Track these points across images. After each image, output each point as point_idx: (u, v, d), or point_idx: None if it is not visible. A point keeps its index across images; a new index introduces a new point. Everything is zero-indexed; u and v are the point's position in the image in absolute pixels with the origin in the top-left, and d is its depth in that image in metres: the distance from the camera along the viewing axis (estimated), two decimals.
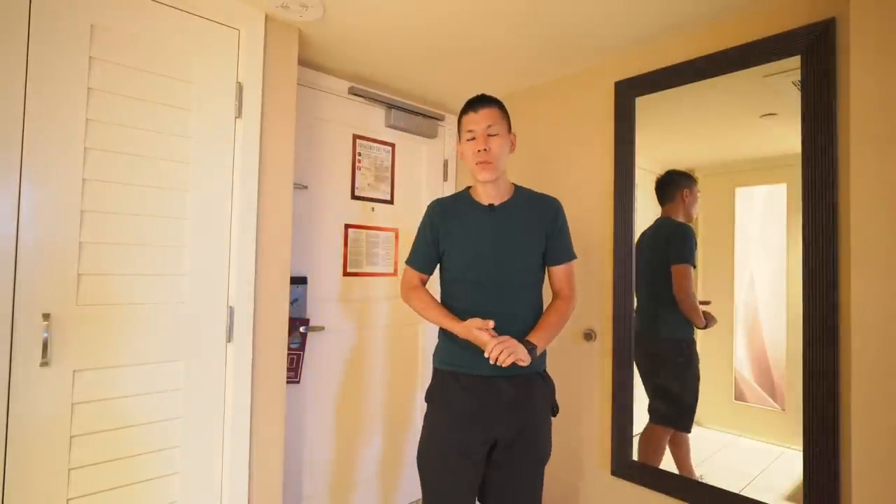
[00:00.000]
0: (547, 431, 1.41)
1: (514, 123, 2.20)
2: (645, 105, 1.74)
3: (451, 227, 1.44)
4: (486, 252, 1.38)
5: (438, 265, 1.50)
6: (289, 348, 1.78)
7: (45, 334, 1.19)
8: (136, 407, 1.35)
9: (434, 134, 2.37)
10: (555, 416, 1.44)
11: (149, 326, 1.37)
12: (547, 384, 1.42)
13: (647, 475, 1.68)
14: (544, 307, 1.44)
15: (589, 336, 1.88)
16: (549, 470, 2.00)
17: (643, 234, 1.74)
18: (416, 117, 2.28)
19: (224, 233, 1.51)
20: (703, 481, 1.54)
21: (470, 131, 1.39)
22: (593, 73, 1.93)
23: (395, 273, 2.26)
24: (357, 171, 2.14)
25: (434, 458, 1.37)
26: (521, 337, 1.30)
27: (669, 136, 1.71)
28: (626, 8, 1.51)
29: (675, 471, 1.61)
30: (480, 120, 1.38)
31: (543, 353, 1.42)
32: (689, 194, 1.63)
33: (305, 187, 1.94)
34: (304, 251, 1.94)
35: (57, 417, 1.22)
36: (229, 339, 1.52)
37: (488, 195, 1.42)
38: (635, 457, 1.72)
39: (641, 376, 1.73)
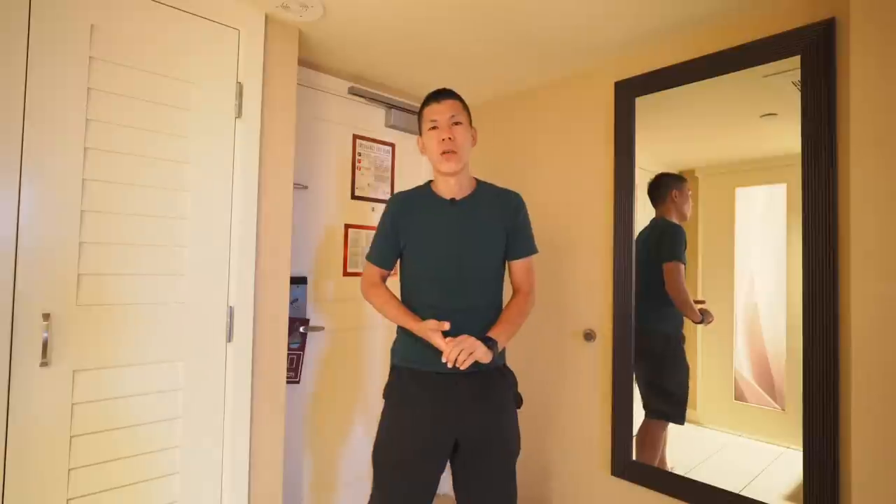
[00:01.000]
0: (513, 425, 1.38)
1: (514, 123, 2.21)
2: (645, 105, 1.74)
3: (412, 221, 1.40)
4: (447, 247, 1.36)
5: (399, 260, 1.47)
6: (289, 348, 1.78)
7: (45, 334, 1.19)
8: (136, 407, 1.35)
9: None
10: (519, 407, 1.42)
11: (149, 326, 1.37)
12: (507, 378, 1.40)
13: (647, 475, 1.68)
14: (504, 302, 1.43)
15: (589, 336, 1.88)
16: (549, 470, 2.01)
17: (639, 235, 1.75)
18: (416, 117, 2.28)
19: (224, 233, 1.51)
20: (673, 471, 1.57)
21: (433, 121, 1.37)
22: (593, 74, 1.93)
23: (395, 273, 2.25)
24: (357, 171, 2.14)
25: (393, 456, 1.33)
26: (482, 332, 1.29)
27: (669, 136, 1.71)
28: (626, 8, 1.51)
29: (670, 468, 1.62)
30: (444, 110, 1.36)
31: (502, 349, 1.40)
32: (679, 194, 1.66)
33: (305, 187, 1.94)
34: (304, 251, 1.94)
35: (57, 417, 1.22)
36: (229, 339, 1.52)
37: (450, 189, 1.40)
38: (635, 457, 1.72)
39: (636, 372, 1.74)
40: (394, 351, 1.45)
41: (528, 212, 1.46)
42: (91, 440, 1.28)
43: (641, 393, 1.73)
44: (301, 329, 1.87)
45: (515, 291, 1.44)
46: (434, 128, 1.37)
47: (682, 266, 1.64)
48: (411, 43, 1.77)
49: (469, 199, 1.41)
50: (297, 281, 1.89)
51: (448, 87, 1.46)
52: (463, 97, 1.44)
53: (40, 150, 1.20)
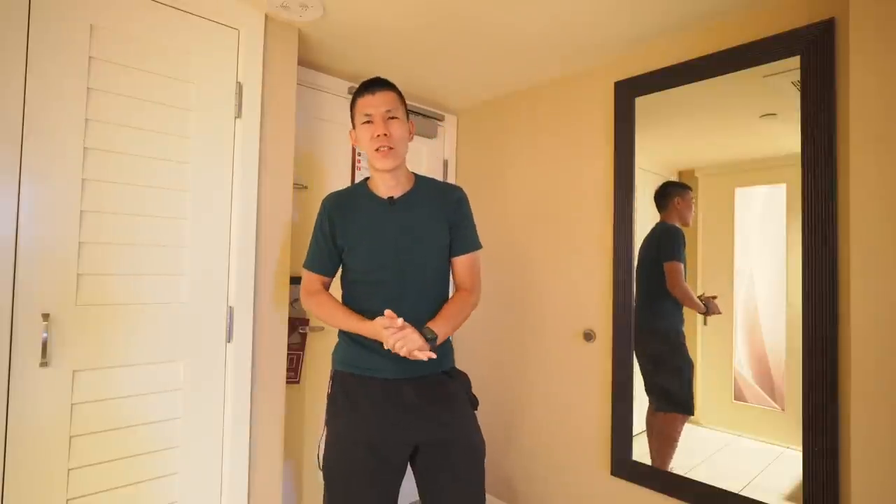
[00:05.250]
0: (473, 425, 1.31)
1: (515, 123, 2.21)
2: (645, 105, 1.74)
3: (349, 222, 1.33)
4: (388, 248, 1.29)
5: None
6: (289, 348, 1.78)
7: (45, 334, 1.19)
8: (136, 407, 1.35)
9: (434, 134, 2.37)
10: (475, 409, 1.36)
11: (149, 326, 1.37)
12: (456, 380, 1.34)
13: (647, 475, 1.68)
14: None
15: (589, 336, 1.88)
16: (549, 470, 2.01)
17: (644, 239, 1.77)
18: (416, 117, 2.28)
19: (224, 233, 1.51)
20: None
21: (367, 115, 1.28)
22: (593, 73, 1.93)
23: None
24: (357, 171, 2.13)
25: (344, 464, 1.23)
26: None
27: (669, 136, 1.71)
28: (626, 8, 1.51)
29: (674, 462, 1.62)
30: (378, 103, 1.28)
31: (450, 352, 1.37)
32: (681, 201, 1.68)
33: (305, 187, 1.94)
34: (304, 251, 1.94)
35: (56, 417, 1.22)
36: (229, 339, 1.52)
37: (388, 187, 1.33)
38: (635, 457, 1.72)
39: (642, 368, 1.75)
40: (335, 355, 1.38)
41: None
42: (91, 440, 1.28)
43: (649, 388, 1.74)
44: (301, 329, 1.87)
45: (458, 289, 1.37)
46: (368, 122, 1.29)
47: (681, 265, 1.67)
48: (411, 43, 1.77)
49: (408, 196, 1.34)
50: (297, 281, 1.88)
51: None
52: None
53: (40, 150, 1.20)
